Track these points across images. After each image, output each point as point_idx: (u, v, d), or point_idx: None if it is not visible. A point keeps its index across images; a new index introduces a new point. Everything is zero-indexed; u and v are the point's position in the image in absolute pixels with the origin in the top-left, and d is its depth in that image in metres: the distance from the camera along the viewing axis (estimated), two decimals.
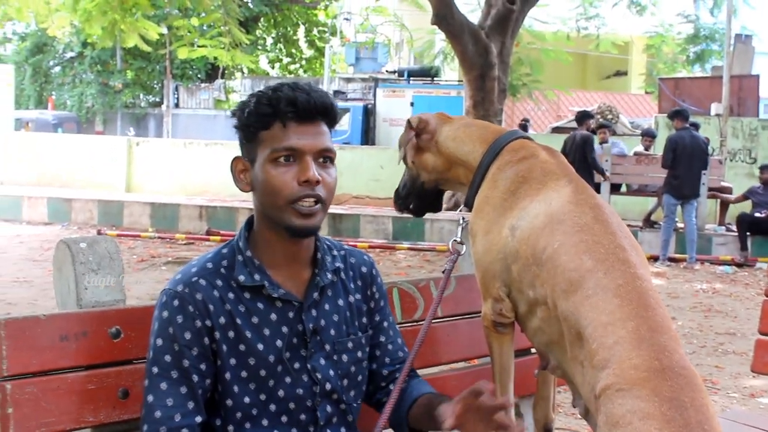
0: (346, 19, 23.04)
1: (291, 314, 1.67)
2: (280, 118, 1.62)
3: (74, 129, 21.85)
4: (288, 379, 1.65)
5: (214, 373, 1.61)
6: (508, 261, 1.92)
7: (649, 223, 10.97)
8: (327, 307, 1.72)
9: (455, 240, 2.19)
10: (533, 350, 2.26)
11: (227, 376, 1.61)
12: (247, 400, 1.63)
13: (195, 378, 1.58)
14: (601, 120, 13.63)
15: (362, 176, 14.06)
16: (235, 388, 1.62)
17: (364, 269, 1.83)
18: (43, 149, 15.47)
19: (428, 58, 17.30)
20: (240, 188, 1.71)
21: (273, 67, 30.82)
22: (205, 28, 13.68)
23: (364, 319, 1.80)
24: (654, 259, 9.87)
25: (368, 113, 17.28)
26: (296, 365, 1.66)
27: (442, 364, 2.25)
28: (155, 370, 1.57)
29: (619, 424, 1.54)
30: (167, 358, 1.57)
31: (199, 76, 26.43)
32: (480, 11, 13.11)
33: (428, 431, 1.77)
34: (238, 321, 1.62)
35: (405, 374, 1.80)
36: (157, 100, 26.16)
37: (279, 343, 1.65)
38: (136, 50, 14.26)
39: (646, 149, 11.54)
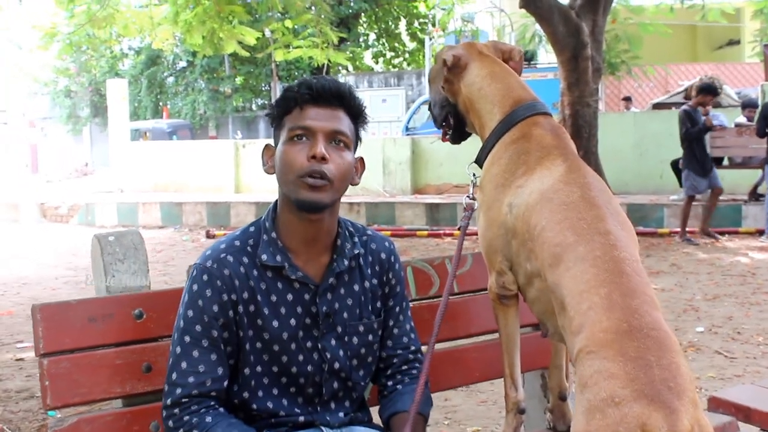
0: (443, 9, 23.01)
1: (307, 296, 1.81)
2: (298, 102, 1.78)
3: (188, 136, 22.80)
4: (300, 357, 1.81)
5: (237, 343, 1.78)
6: (508, 236, 2.02)
7: (754, 196, 10.59)
8: (342, 291, 1.86)
9: (468, 197, 2.26)
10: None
11: (246, 346, 1.78)
12: (259, 369, 1.79)
13: (222, 346, 1.75)
14: None
15: (462, 165, 13.96)
16: (251, 358, 1.79)
17: (383, 255, 1.96)
18: (159, 157, 16.28)
19: (524, 41, 17.10)
20: (265, 171, 1.86)
21: (377, 62, 31.16)
22: (299, 29, 14.05)
23: (378, 304, 1.93)
24: (760, 233, 9.55)
25: None
26: (308, 344, 1.82)
27: (461, 338, 2.36)
28: (187, 338, 1.73)
29: (587, 385, 1.62)
30: (198, 327, 1.73)
31: (304, 76, 27.07)
32: None
33: None
34: (259, 297, 1.78)
35: (424, 379, 1.86)
36: (266, 102, 26.95)
37: (293, 322, 1.80)
38: (244, 56, 14.82)
39: (749, 120, 11.12)
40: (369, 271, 1.92)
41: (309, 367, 1.82)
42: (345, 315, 1.86)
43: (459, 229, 2.23)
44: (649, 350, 1.62)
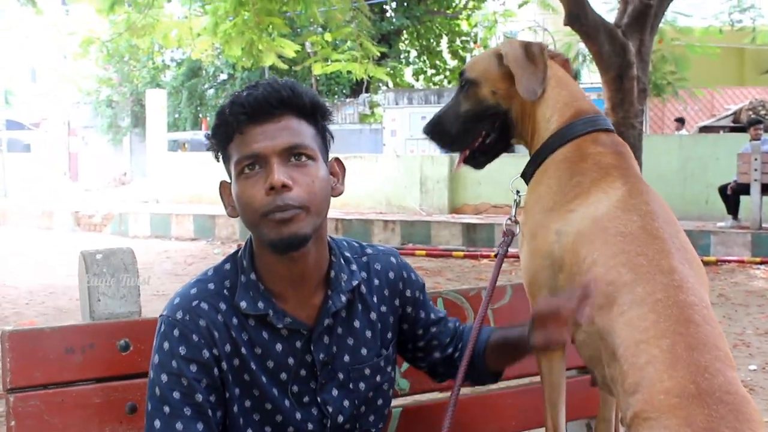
0: (485, 27, 22.79)
1: (299, 344, 1.53)
2: (236, 126, 1.46)
3: None
4: (297, 415, 1.53)
5: (224, 404, 1.51)
6: (555, 269, 1.75)
7: None
8: (340, 331, 1.57)
9: (510, 219, 1.96)
10: None
11: (234, 408, 1.51)
12: None
13: (209, 412, 1.47)
14: (753, 116, 12.78)
15: (502, 185, 13.74)
16: (240, 420, 1.51)
17: (391, 275, 1.67)
18: (196, 168, 16.19)
19: None
20: (228, 214, 1.55)
21: (417, 80, 30.99)
22: (338, 42, 13.94)
23: (389, 335, 1.65)
24: None
25: None
26: (305, 398, 1.54)
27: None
28: (167, 409, 1.44)
29: None
30: (176, 395, 1.45)
31: (344, 91, 26.96)
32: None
33: (509, 366, 1.73)
34: (243, 350, 1.50)
35: (471, 348, 1.67)
36: None
37: (284, 376, 1.52)
38: (283, 69, 14.69)
39: None
40: (375, 298, 1.62)
41: (309, 425, 1.53)
42: (346, 359, 1.57)
43: (496, 255, 1.95)
44: (723, 420, 1.34)
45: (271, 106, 1.46)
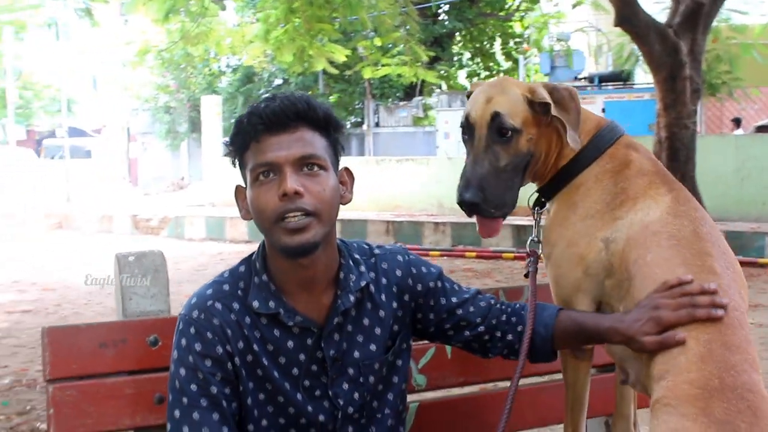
0: (537, 28, 22.69)
1: (309, 341, 1.63)
2: (253, 135, 1.56)
3: None
4: (309, 407, 1.63)
5: (239, 396, 1.61)
6: (601, 276, 1.79)
7: None
8: (350, 329, 1.67)
9: (533, 239, 1.98)
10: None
11: (248, 400, 1.61)
12: (264, 423, 1.62)
13: (224, 403, 1.58)
14: None
15: None
16: (255, 412, 1.62)
17: (398, 272, 1.75)
18: None
19: (620, 61, 16.63)
20: (242, 217, 1.67)
21: (470, 82, 30.98)
22: (389, 47, 14.05)
23: (396, 327, 1.73)
24: None
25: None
26: (317, 392, 1.64)
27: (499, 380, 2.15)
28: (185, 400, 1.56)
29: None
30: (193, 387, 1.56)
31: (398, 94, 27.07)
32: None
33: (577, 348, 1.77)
34: (255, 347, 1.60)
35: (530, 326, 1.72)
36: (359, 120, 27.07)
37: (296, 371, 1.62)
38: (336, 74, 14.88)
39: None
40: (383, 296, 1.71)
41: (321, 417, 1.63)
42: (356, 354, 1.67)
43: (526, 276, 1.94)
44: (741, 414, 1.39)
45: (287, 118, 1.56)
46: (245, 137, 1.59)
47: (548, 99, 1.81)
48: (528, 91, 1.84)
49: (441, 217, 12.77)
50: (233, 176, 1.65)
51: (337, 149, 1.66)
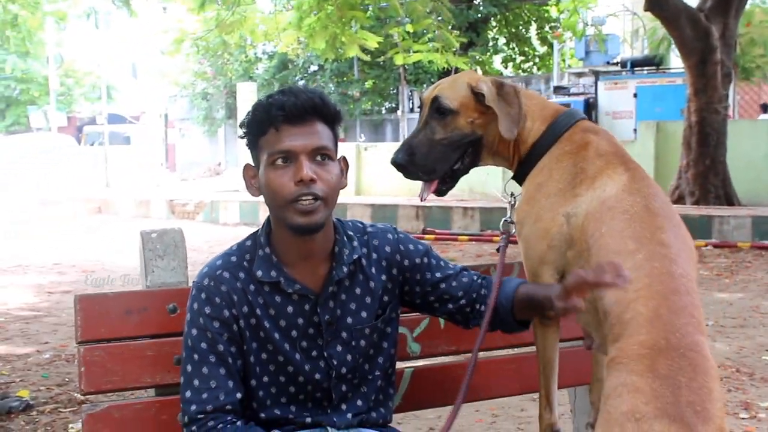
0: (569, 12, 22.57)
1: (307, 307, 1.82)
2: (272, 123, 1.74)
3: None
4: (306, 366, 1.82)
5: (243, 355, 1.81)
6: (563, 247, 1.96)
7: None
8: (344, 297, 1.86)
9: (506, 220, 2.19)
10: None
11: (251, 359, 1.81)
12: (266, 379, 1.82)
13: (230, 360, 1.78)
14: None
15: None
16: (257, 369, 1.82)
17: (387, 248, 1.93)
18: None
19: (653, 45, 16.56)
20: (251, 193, 1.86)
21: (506, 67, 30.89)
22: (421, 33, 14.15)
23: (387, 298, 1.92)
24: None
25: (589, 107, 16.87)
26: (313, 353, 1.83)
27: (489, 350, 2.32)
28: (196, 357, 1.77)
29: (610, 396, 1.59)
30: (203, 345, 1.77)
31: (431, 80, 27.15)
32: None
33: (534, 318, 1.94)
34: (258, 312, 1.80)
35: (495, 297, 1.91)
36: (394, 105, 27.21)
37: (294, 333, 1.82)
38: (372, 60, 15.07)
39: None
40: (373, 270, 1.90)
41: (316, 375, 1.83)
42: (349, 320, 1.86)
43: (498, 250, 2.18)
44: (682, 370, 1.56)
45: (305, 112, 1.76)
46: (263, 124, 1.76)
47: (483, 90, 2.06)
48: (474, 82, 2.09)
49: (470, 202, 12.90)
50: None
51: (337, 139, 1.86)
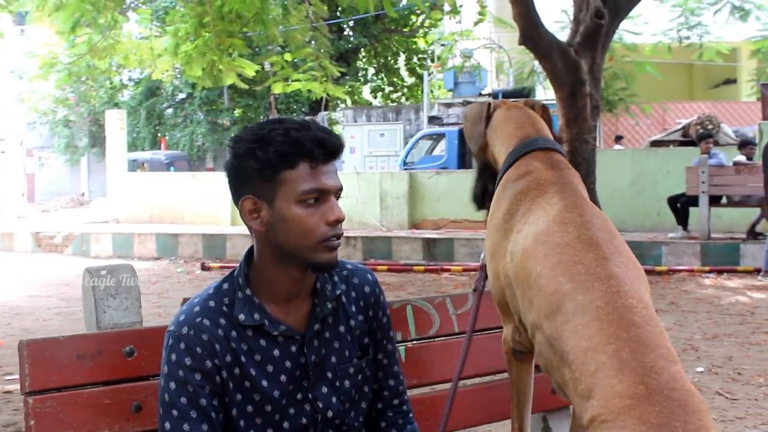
0: (443, 45, 23.18)
1: (293, 348, 1.73)
2: (309, 158, 1.64)
3: (186, 167, 22.66)
4: (292, 411, 1.72)
5: (226, 408, 1.69)
6: (512, 287, 1.90)
7: (753, 235, 10.56)
8: (328, 335, 1.77)
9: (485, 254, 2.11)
10: None
11: (234, 411, 1.69)
12: None
13: (213, 414, 1.65)
14: (701, 131, 13.24)
15: (459, 200, 14.08)
16: (242, 423, 1.70)
17: (366, 289, 1.87)
18: (156, 188, 16.23)
19: (522, 77, 17.18)
20: (254, 228, 1.71)
21: (375, 97, 31.29)
22: (299, 62, 14.13)
23: (366, 340, 1.85)
24: (757, 271, 9.51)
25: (464, 138, 17.25)
26: (299, 396, 1.73)
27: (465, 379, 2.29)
28: (175, 413, 1.62)
29: None
30: (183, 400, 1.63)
31: (303, 109, 27.13)
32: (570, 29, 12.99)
33: None
34: (242, 359, 1.68)
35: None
36: None
37: (283, 378, 1.71)
38: (242, 88, 14.86)
39: (748, 159, 11.14)
40: (353, 308, 1.83)
41: (303, 420, 1.73)
42: (333, 359, 1.78)
43: (474, 290, 2.15)
44: (673, 415, 1.45)
45: (336, 151, 1.69)
46: (292, 158, 1.64)
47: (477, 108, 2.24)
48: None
49: (351, 231, 12.91)
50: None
51: None
